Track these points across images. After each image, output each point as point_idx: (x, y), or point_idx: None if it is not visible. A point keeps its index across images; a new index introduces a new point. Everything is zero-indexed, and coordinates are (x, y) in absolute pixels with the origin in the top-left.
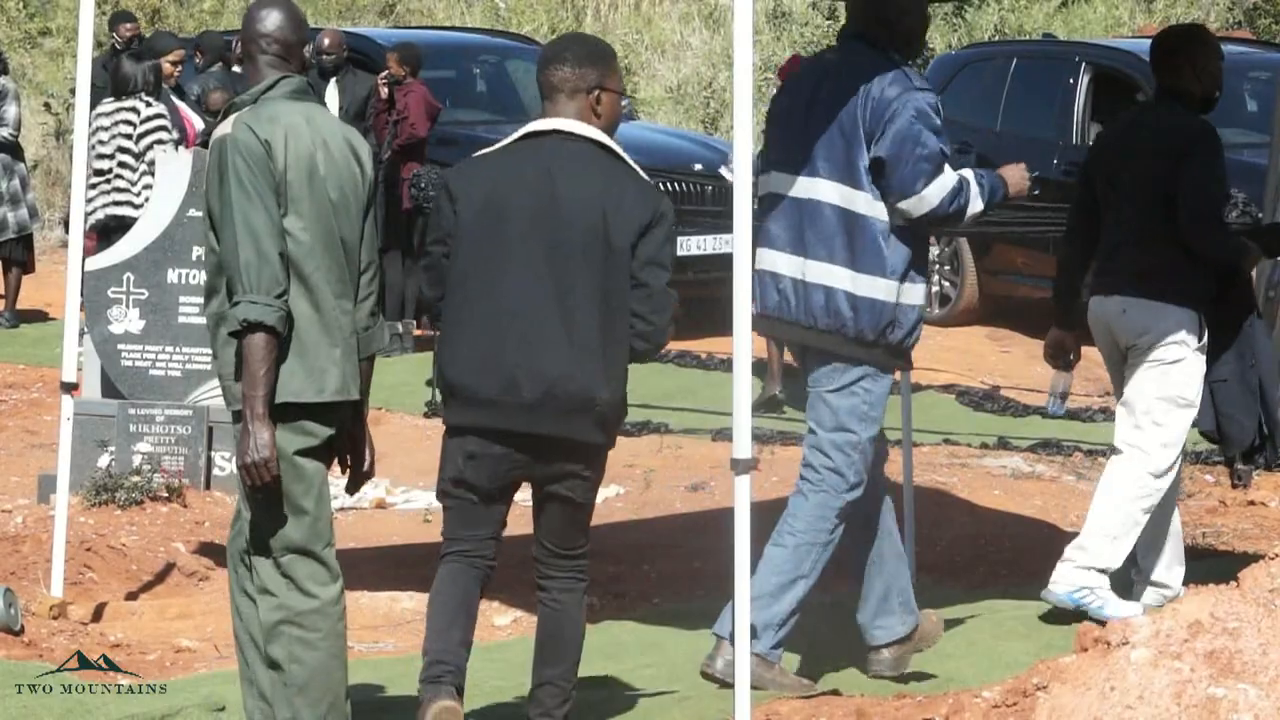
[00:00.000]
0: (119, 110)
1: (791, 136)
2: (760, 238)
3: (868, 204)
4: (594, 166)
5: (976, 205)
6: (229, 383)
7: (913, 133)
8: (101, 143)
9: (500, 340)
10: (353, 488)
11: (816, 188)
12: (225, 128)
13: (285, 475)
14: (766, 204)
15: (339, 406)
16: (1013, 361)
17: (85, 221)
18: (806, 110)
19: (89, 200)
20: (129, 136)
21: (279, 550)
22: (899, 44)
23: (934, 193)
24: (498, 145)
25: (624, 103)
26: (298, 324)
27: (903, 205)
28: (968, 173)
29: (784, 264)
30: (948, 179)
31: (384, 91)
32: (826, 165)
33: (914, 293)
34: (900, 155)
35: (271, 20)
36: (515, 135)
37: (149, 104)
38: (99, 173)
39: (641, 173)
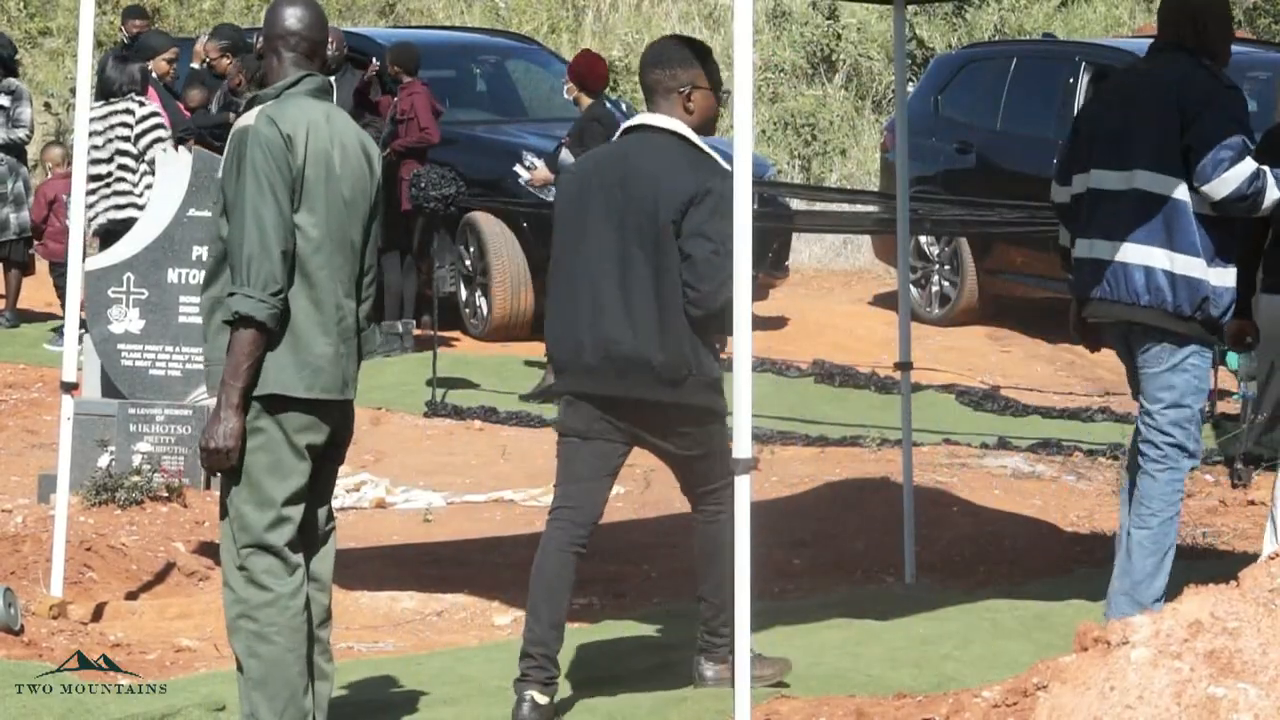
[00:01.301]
0: (111, 114)
1: (1110, 136)
2: (1083, 229)
3: (1182, 191)
4: (663, 153)
5: (1274, 194)
6: (215, 368)
7: (1218, 125)
8: (95, 147)
9: (575, 311)
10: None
11: (1135, 179)
12: (248, 119)
13: (259, 466)
14: (1089, 199)
15: (334, 406)
16: (1013, 361)
17: (88, 226)
18: (1124, 111)
19: (89, 205)
20: (126, 139)
21: (241, 543)
22: (1208, 51)
23: (1232, 178)
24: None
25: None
26: (296, 319)
27: (1205, 189)
28: (1266, 168)
29: (1106, 250)
30: (1245, 167)
31: (373, 93)
32: (1144, 158)
33: (1225, 275)
34: (1205, 144)
35: (297, 18)
36: (619, 132)
37: (142, 104)
38: (95, 177)
39: (717, 159)
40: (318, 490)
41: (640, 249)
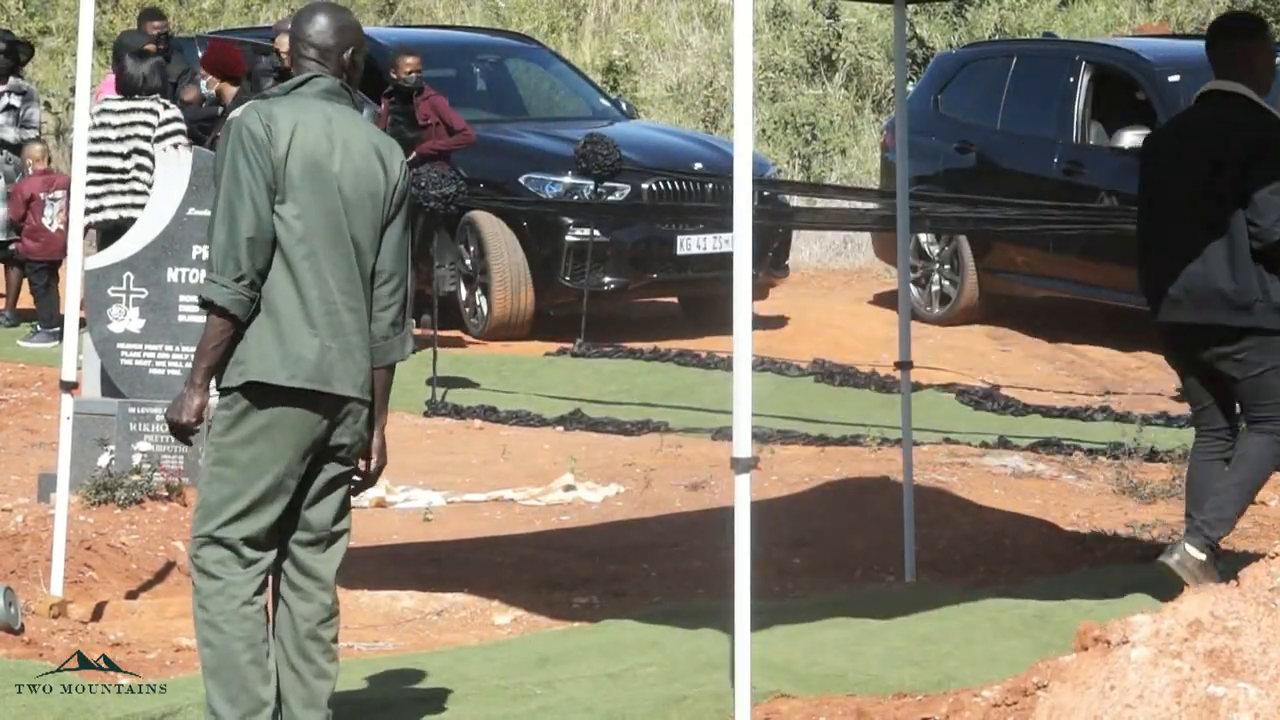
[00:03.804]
0: (133, 110)
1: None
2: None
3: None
4: (1222, 112)
5: None
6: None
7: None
8: (110, 140)
9: (1161, 252)
10: (354, 492)
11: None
12: (237, 111)
13: (235, 458)
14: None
15: (325, 401)
16: (1013, 360)
17: (87, 217)
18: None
19: (96, 198)
20: (147, 139)
21: (197, 532)
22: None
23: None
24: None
25: (624, 104)
26: (279, 308)
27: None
28: None
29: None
30: None
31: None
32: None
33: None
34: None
35: (310, 25)
36: (1195, 96)
37: (167, 106)
38: (105, 170)
39: (1276, 115)
40: (314, 490)
41: (1206, 195)
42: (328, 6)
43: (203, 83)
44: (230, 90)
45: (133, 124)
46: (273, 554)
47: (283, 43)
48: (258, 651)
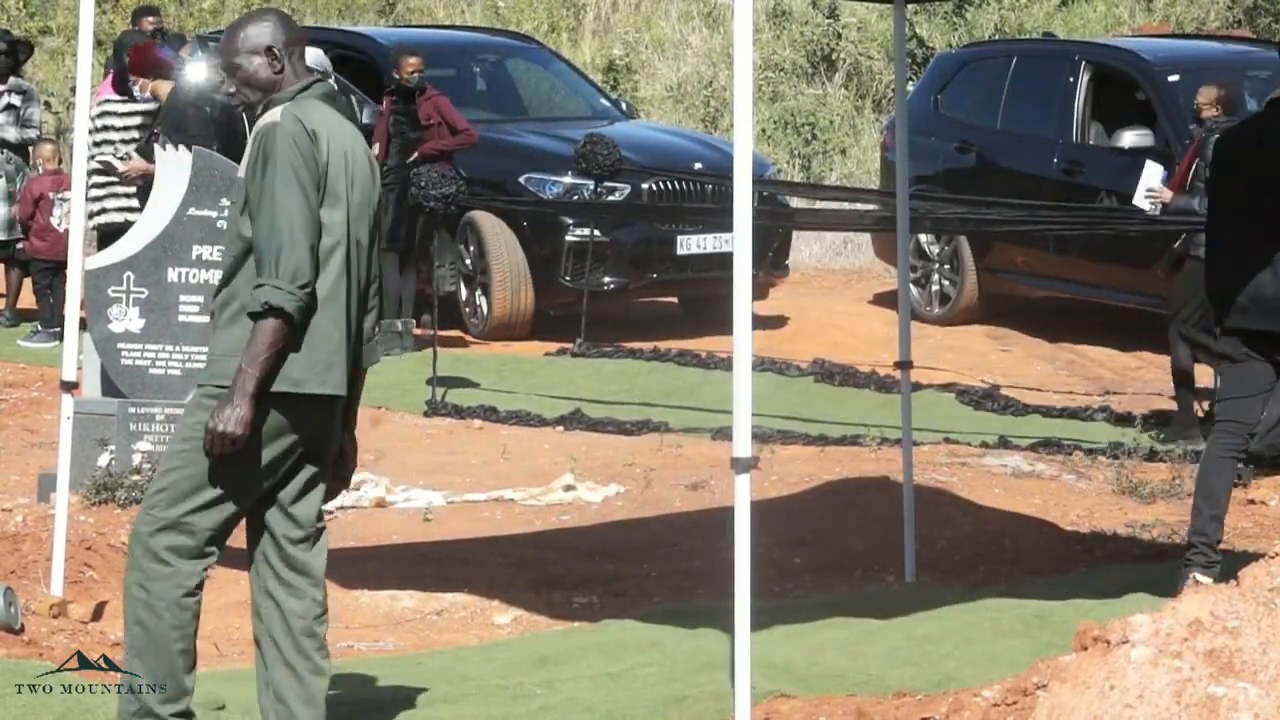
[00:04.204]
0: (135, 114)
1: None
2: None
3: None
4: None
5: None
6: (222, 358)
7: None
8: (113, 142)
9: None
10: (328, 496)
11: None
12: (273, 117)
13: (230, 454)
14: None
15: (316, 405)
16: (1013, 360)
17: (91, 219)
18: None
19: (99, 200)
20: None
21: (159, 512)
22: None
23: None
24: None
25: (624, 104)
26: (313, 316)
27: None
28: None
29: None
30: None
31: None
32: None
33: None
34: None
35: (290, 27)
36: (1264, 102)
37: None
38: (108, 170)
39: None
40: (298, 487)
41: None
42: (273, 10)
43: (135, 86)
44: (165, 87)
45: (134, 125)
46: (218, 554)
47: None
48: (188, 642)
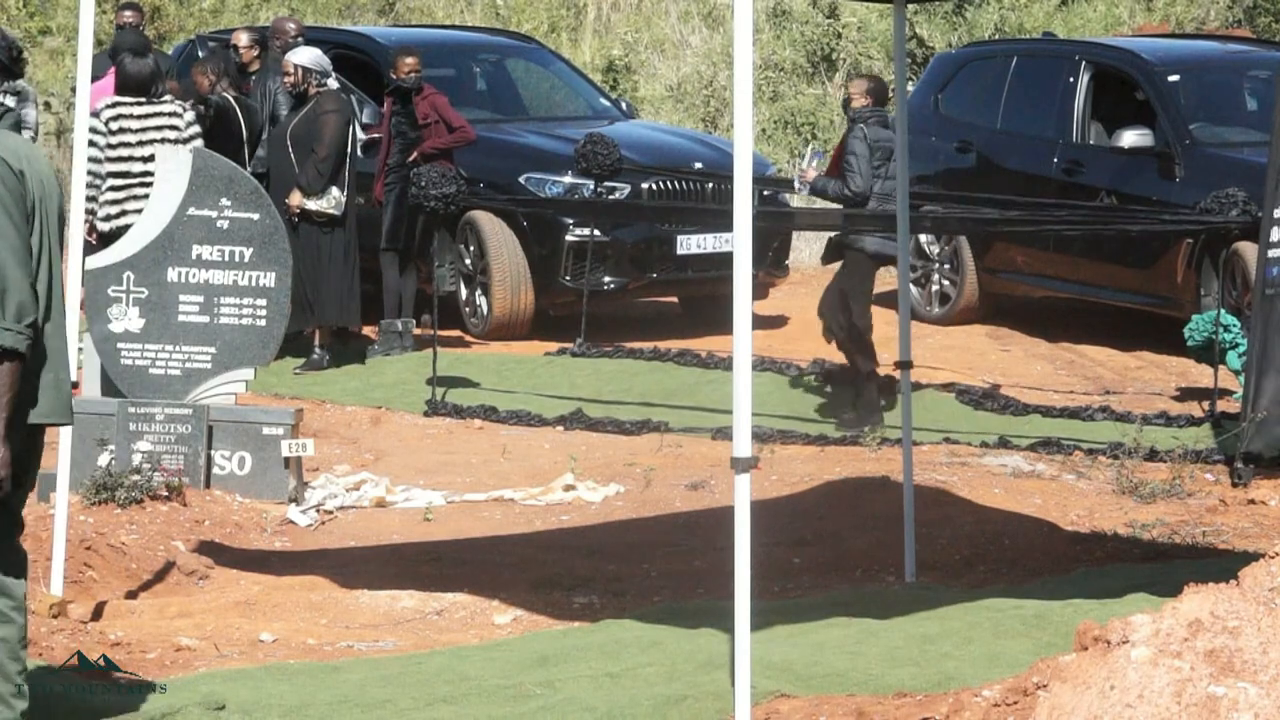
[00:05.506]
0: (156, 115)
1: None
2: None
3: None
4: None
5: None
6: None
7: None
8: (130, 145)
9: None
10: None
11: None
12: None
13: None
14: None
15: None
16: (1013, 360)
17: (110, 222)
18: None
19: (118, 203)
20: (174, 143)
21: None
22: None
23: None
24: None
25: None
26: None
27: None
28: None
29: None
30: None
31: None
32: None
33: None
34: None
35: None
36: None
37: (185, 109)
38: (125, 174)
39: None
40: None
41: None
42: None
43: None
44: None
45: (160, 128)
46: None
47: (241, 37)
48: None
